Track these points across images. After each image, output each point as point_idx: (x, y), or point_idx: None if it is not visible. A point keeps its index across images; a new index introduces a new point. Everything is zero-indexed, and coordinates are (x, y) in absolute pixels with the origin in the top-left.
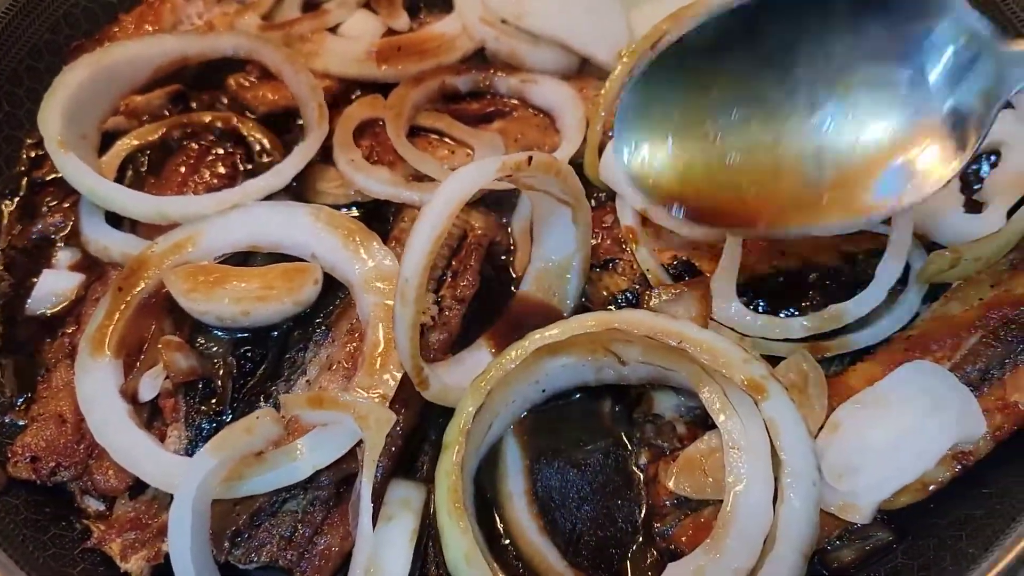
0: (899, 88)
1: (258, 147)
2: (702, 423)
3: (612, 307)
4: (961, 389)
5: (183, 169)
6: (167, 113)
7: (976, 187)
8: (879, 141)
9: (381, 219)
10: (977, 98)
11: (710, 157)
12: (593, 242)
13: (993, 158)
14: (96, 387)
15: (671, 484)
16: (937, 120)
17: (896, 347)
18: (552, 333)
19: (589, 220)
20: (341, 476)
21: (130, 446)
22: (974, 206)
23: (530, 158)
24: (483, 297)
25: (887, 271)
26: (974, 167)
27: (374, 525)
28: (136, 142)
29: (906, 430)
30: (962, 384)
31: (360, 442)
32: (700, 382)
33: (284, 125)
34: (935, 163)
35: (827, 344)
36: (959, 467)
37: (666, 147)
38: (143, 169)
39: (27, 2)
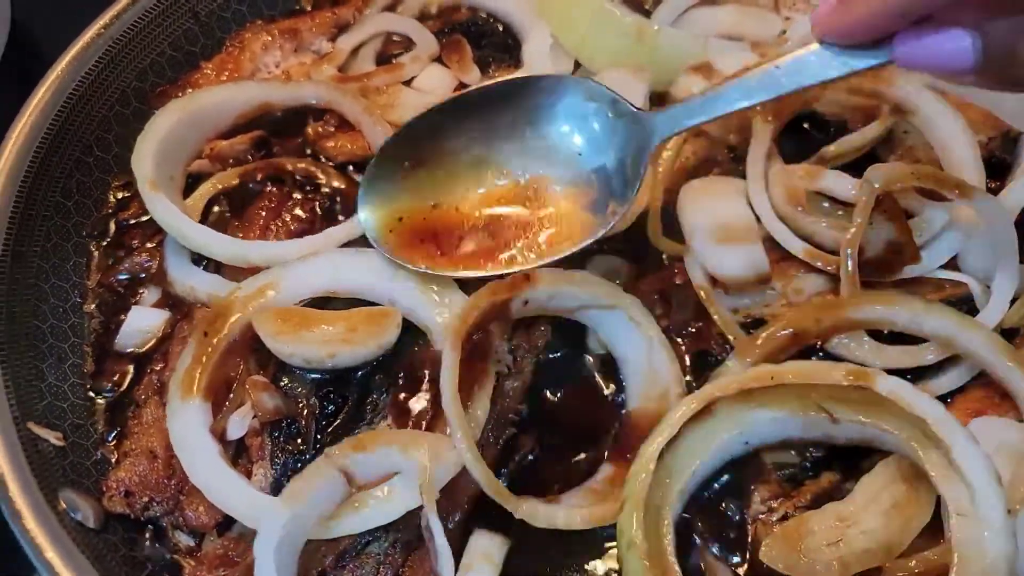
0: (559, 156)
1: (336, 195)
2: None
3: None
4: None
5: (264, 213)
6: (250, 158)
7: None
8: (550, 197)
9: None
10: (624, 155)
11: (422, 213)
12: None
13: None
14: (187, 429)
15: (763, 556)
16: (591, 177)
17: (974, 394)
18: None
19: (643, 310)
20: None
21: (223, 485)
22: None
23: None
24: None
25: (1007, 278)
26: None
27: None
28: (220, 186)
29: None
30: None
31: None
32: (918, 445)
33: (361, 173)
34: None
35: None
36: None
37: (396, 209)
38: (226, 212)
39: (117, 52)
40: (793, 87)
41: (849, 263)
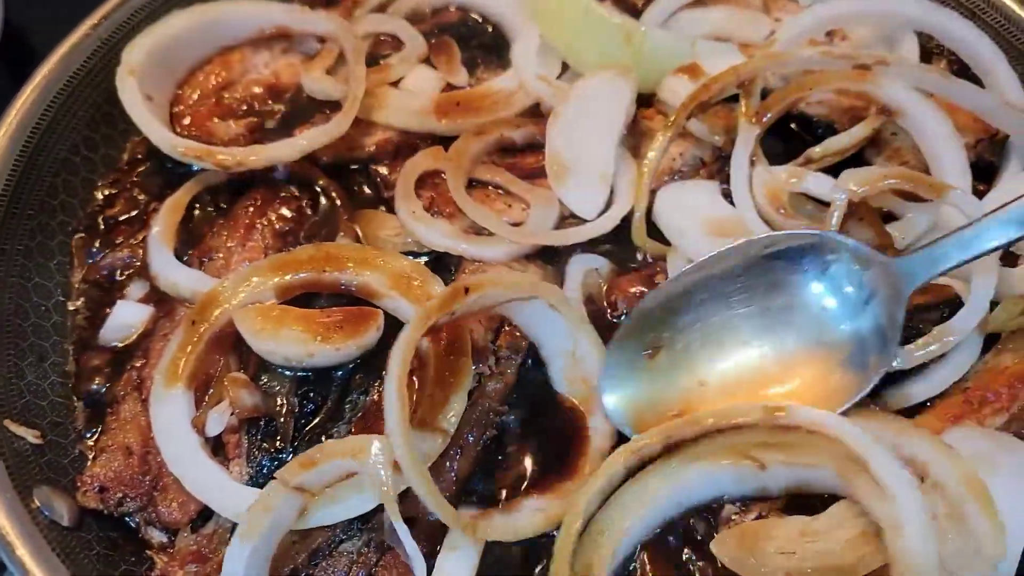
0: (810, 320)
1: (322, 194)
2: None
3: None
4: (1011, 443)
5: (251, 211)
6: (242, 139)
7: None
8: (804, 364)
9: (444, 269)
10: (881, 310)
11: (669, 390)
12: None
13: None
14: (170, 418)
15: (714, 546)
16: (847, 338)
17: (953, 400)
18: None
19: (564, 298)
20: None
21: (202, 476)
22: (1009, 258)
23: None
24: None
25: (983, 283)
26: None
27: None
28: (203, 186)
29: None
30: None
31: None
32: (850, 478)
33: (347, 173)
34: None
35: (893, 402)
36: None
37: (637, 386)
38: (211, 210)
39: (106, 52)
40: None
41: None
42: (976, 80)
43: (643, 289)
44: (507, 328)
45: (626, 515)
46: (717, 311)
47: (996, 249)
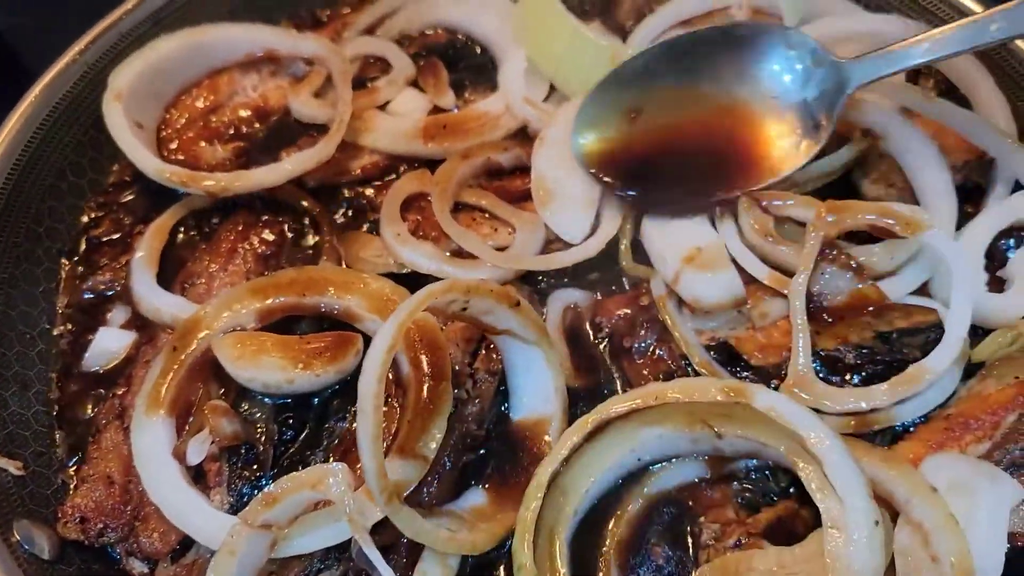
0: (766, 92)
1: (305, 217)
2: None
3: None
4: (991, 472)
5: (232, 236)
6: (228, 164)
7: (1001, 266)
8: (755, 131)
9: None
10: (824, 99)
11: (641, 141)
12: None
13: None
14: (151, 446)
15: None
16: (797, 108)
17: (936, 425)
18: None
19: (560, 364)
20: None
21: (182, 504)
22: (997, 284)
23: (483, 283)
24: None
25: (958, 320)
26: (1001, 245)
27: None
28: (188, 209)
29: None
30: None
31: None
32: (798, 459)
33: (332, 196)
34: (800, 142)
35: (874, 417)
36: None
37: (608, 136)
38: (195, 235)
39: (93, 77)
40: (997, 38)
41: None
42: (963, 100)
43: (628, 311)
44: (483, 352)
45: (587, 475)
46: (690, 83)
47: (924, 64)
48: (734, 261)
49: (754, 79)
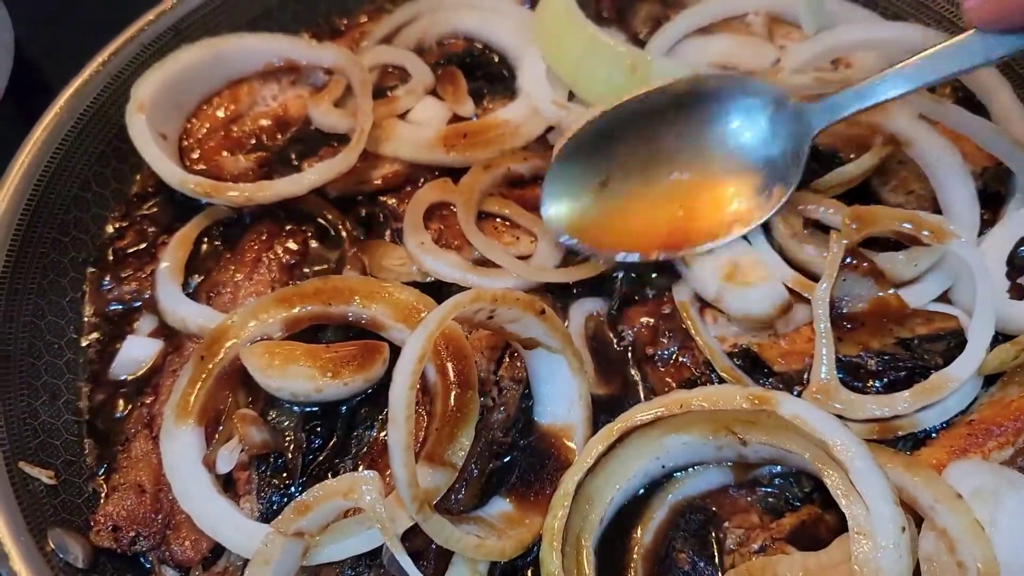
0: (729, 150)
1: (328, 226)
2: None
3: None
4: (1015, 478)
5: (257, 246)
6: (251, 173)
7: (1020, 273)
8: (722, 187)
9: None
10: (788, 144)
11: (607, 205)
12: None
13: None
14: (181, 454)
15: None
16: (764, 158)
17: (958, 431)
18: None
19: (584, 372)
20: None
21: (213, 512)
22: (1017, 291)
23: (510, 292)
24: None
25: (982, 329)
26: (1021, 253)
27: None
28: (211, 219)
29: None
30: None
31: None
32: (824, 466)
33: (353, 205)
34: (770, 190)
35: (897, 424)
36: None
37: (577, 201)
38: (219, 244)
39: (116, 88)
40: (953, 71)
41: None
42: (980, 108)
43: (650, 319)
44: (507, 360)
45: (612, 483)
46: (651, 143)
47: (888, 100)
48: None
49: (719, 135)
